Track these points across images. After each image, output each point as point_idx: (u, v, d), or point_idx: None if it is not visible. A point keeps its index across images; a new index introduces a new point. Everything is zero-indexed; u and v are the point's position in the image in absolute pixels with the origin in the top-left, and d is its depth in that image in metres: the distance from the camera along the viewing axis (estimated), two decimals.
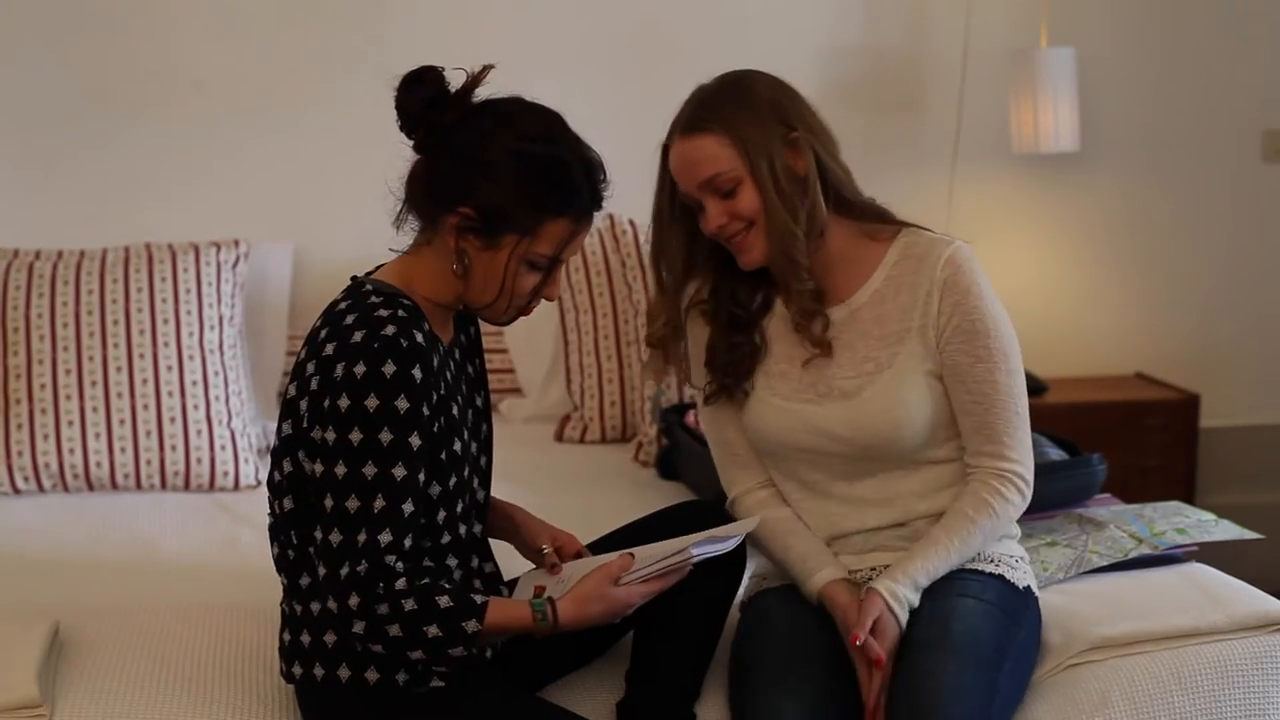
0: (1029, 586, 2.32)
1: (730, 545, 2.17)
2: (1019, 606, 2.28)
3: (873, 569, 2.32)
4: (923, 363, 2.28)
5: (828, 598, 2.25)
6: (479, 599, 2.04)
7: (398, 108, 2.10)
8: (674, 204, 2.31)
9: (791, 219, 2.23)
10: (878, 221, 2.34)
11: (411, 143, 2.13)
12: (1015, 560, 2.34)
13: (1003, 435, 2.26)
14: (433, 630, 2.00)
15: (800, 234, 2.24)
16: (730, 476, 2.42)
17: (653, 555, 2.14)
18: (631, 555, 2.14)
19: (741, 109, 2.24)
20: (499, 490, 2.37)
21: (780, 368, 2.34)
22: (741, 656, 2.29)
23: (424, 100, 2.08)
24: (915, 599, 2.21)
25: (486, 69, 2.10)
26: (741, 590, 2.43)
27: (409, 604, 2.00)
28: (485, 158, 2.07)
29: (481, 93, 2.12)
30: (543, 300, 2.18)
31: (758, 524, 2.26)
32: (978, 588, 2.25)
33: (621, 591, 2.10)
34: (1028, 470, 2.29)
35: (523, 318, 2.22)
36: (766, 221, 2.23)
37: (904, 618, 2.19)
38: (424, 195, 2.12)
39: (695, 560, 2.12)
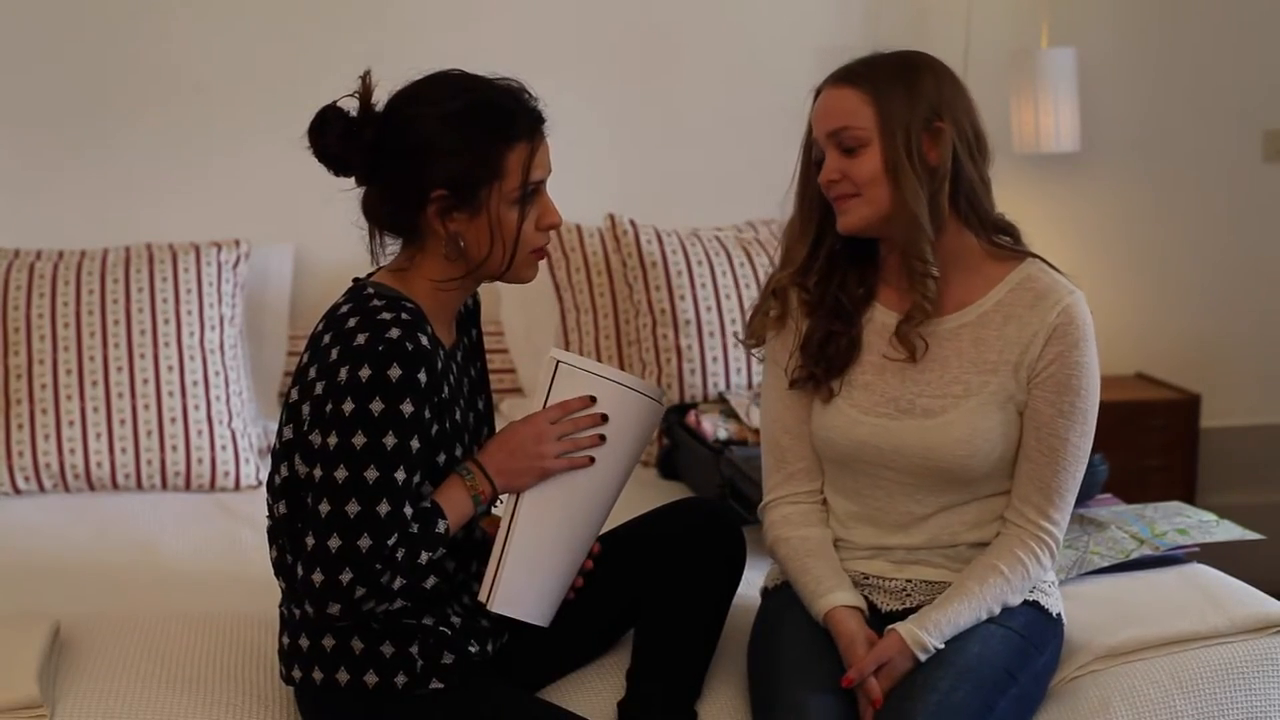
0: (1060, 613, 2.32)
1: (637, 385, 2.20)
2: (1047, 632, 2.27)
3: (908, 580, 2.31)
4: (1010, 397, 2.25)
5: (833, 621, 2.22)
6: (426, 503, 2.07)
7: (320, 158, 2.12)
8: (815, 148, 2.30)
9: (919, 186, 2.20)
10: (1003, 239, 2.31)
11: (353, 179, 2.14)
12: (1050, 586, 2.33)
13: (1053, 494, 2.24)
14: (425, 555, 2.04)
15: (925, 204, 2.21)
16: (771, 481, 2.40)
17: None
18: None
19: (897, 80, 2.22)
20: None
21: (865, 379, 2.31)
22: (763, 647, 2.30)
23: (338, 136, 2.09)
24: (941, 646, 2.18)
25: (367, 75, 2.11)
26: (765, 577, 2.43)
27: (399, 554, 2.02)
28: (424, 140, 2.08)
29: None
30: (550, 233, 2.17)
31: (662, 406, 2.27)
32: (1005, 613, 2.23)
33: (529, 425, 2.14)
34: (1062, 534, 2.28)
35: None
36: (893, 186, 2.20)
37: (924, 659, 2.17)
38: (394, 210, 2.13)
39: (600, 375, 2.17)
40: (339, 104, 2.11)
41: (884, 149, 2.21)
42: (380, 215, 2.15)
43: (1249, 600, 2.44)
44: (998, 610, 2.23)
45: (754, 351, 2.43)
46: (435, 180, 2.08)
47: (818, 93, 2.29)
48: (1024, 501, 2.26)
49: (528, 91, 2.15)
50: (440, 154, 2.07)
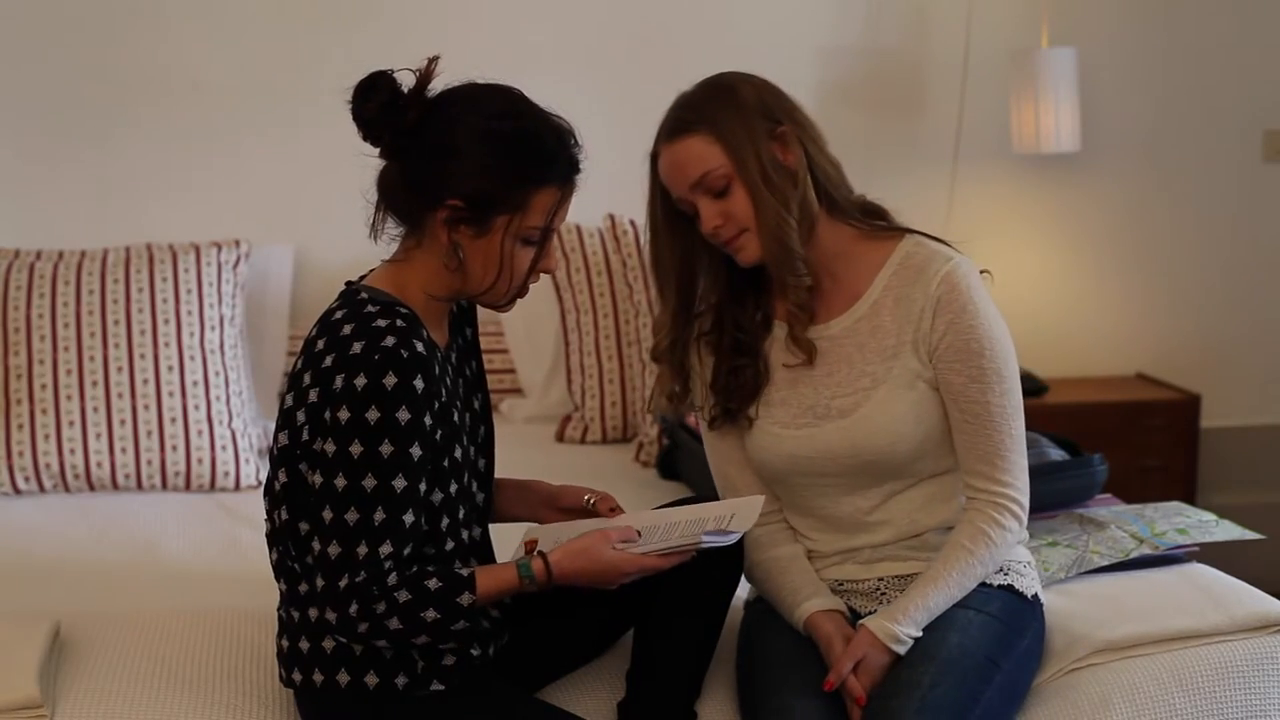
0: (1036, 594, 2.32)
1: (735, 538, 2.16)
2: (1025, 616, 2.27)
3: (880, 579, 2.32)
4: (918, 376, 2.26)
5: (813, 627, 2.24)
6: (465, 572, 2.05)
7: (356, 118, 2.08)
8: (667, 213, 2.30)
9: (783, 207, 2.22)
10: (871, 220, 2.32)
11: (377, 150, 2.11)
12: (1024, 566, 2.33)
13: (994, 457, 2.24)
14: (430, 614, 2.01)
15: (793, 221, 2.22)
16: None
17: (657, 527, 2.15)
18: (638, 533, 2.14)
19: (724, 107, 2.23)
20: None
21: (780, 395, 2.32)
22: (749, 655, 2.30)
23: (381, 105, 2.07)
24: (916, 634, 2.18)
25: (434, 60, 2.09)
26: (748, 589, 2.43)
27: (402, 595, 2.00)
28: (460, 145, 2.06)
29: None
30: (541, 276, 2.16)
31: (761, 503, 2.22)
32: (981, 599, 2.24)
33: (617, 557, 2.09)
34: (1022, 494, 2.27)
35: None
36: (757, 214, 2.22)
37: (901, 651, 2.17)
38: (404, 198, 2.11)
39: (702, 548, 2.12)
40: (393, 73, 2.08)
41: (744, 178, 2.21)
42: (392, 196, 2.13)
43: (1249, 599, 2.44)
44: (971, 585, 2.23)
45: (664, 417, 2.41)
46: (455, 188, 2.06)
47: (654, 157, 2.29)
48: (970, 473, 2.27)
49: (575, 137, 2.13)
50: (469, 166, 2.05)
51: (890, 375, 2.26)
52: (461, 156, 2.06)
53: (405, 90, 2.08)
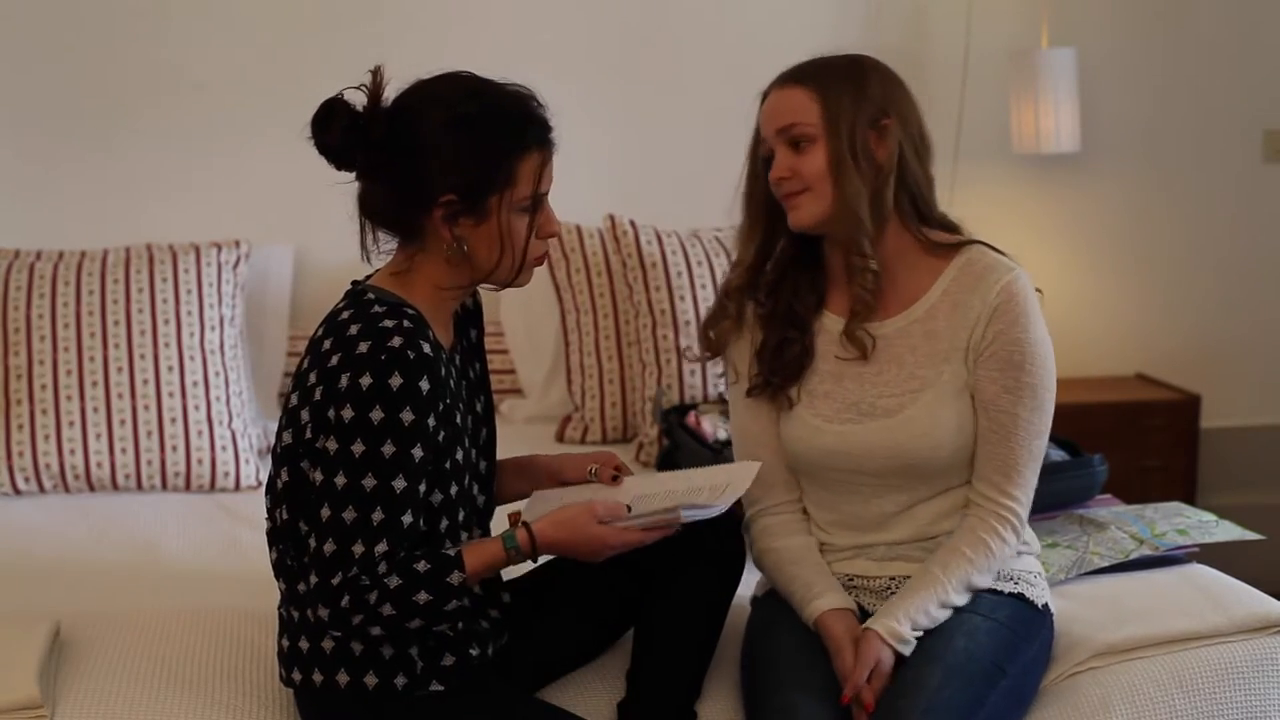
0: (1046, 604, 2.32)
1: (720, 509, 2.17)
2: (1033, 624, 2.27)
3: (891, 578, 2.31)
4: (967, 385, 2.27)
5: (823, 627, 2.23)
6: (452, 551, 2.06)
7: (321, 150, 2.09)
8: (766, 157, 2.32)
9: (861, 183, 2.23)
10: (943, 235, 2.32)
11: (353, 174, 2.12)
12: (1034, 576, 2.33)
13: (1009, 470, 2.25)
14: (422, 596, 2.02)
15: (867, 200, 2.23)
16: (750, 495, 2.39)
17: (648, 496, 2.16)
18: (627, 508, 2.15)
19: (843, 79, 2.26)
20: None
21: (824, 387, 2.32)
22: (754, 652, 2.30)
23: (343, 129, 2.07)
24: (918, 634, 2.18)
25: (379, 70, 2.09)
26: (755, 585, 2.43)
27: (393, 581, 2.01)
28: (434, 142, 2.06)
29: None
30: (550, 242, 2.18)
31: (756, 471, 2.24)
32: (989, 605, 2.24)
33: (601, 531, 2.10)
34: (1024, 509, 2.28)
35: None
36: (835, 183, 2.23)
37: (907, 653, 2.17)
38: (395, 210, 2.11)
39: (685, 521, 2.13)
40: (345, 96, 2.09)
41: (829, 145, 2.23)
42: (381, 213, 2.13)
43: (1249, 600, 2.44)
44: (964, 592, 2.23)
45: (710, 362, 2.42)
46: (445, 185, 2.06)
47: (765, 96, 2.31)
48: (982, 480, 2.27)
49: (536, 99, 2.14)
50: (451, 159, 2.06)
51: (940, 380, 2.27)
52: (440, 153, 2.06)
53: (361, 108, 2.08)
